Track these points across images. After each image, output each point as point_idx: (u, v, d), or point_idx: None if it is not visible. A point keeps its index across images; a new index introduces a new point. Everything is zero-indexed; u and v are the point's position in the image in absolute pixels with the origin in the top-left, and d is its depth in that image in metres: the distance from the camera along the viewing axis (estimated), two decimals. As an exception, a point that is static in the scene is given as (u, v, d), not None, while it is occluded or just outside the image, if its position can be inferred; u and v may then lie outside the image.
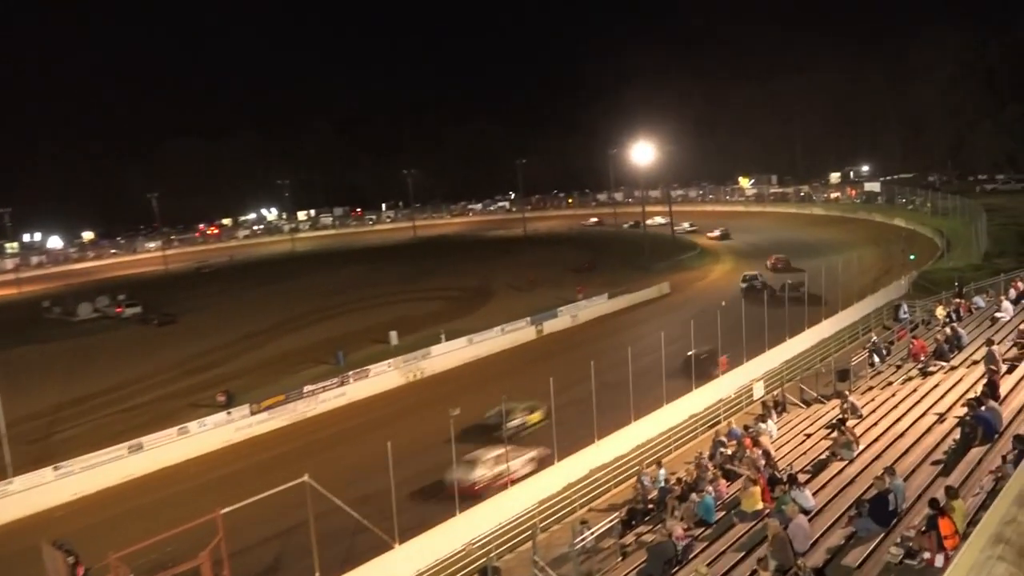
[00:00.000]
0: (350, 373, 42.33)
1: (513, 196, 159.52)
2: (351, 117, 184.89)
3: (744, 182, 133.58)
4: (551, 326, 53.87)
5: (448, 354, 47.03)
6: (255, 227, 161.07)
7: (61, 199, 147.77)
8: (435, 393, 41.40)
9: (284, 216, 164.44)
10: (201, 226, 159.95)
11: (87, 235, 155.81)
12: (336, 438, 36.07)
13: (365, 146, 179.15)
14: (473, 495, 25.18)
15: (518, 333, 51.66)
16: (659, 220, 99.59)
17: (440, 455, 26.83)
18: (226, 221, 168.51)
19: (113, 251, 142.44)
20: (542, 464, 27.67)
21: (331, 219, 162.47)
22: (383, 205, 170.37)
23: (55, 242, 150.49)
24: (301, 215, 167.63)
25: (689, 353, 34.53)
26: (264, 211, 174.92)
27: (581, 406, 30.30)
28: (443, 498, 25.12)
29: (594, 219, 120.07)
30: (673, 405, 31.83)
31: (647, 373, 34.61)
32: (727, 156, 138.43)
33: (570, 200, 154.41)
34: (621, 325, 53.99)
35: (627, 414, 29.77)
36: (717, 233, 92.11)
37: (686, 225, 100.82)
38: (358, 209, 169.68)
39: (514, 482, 26.26)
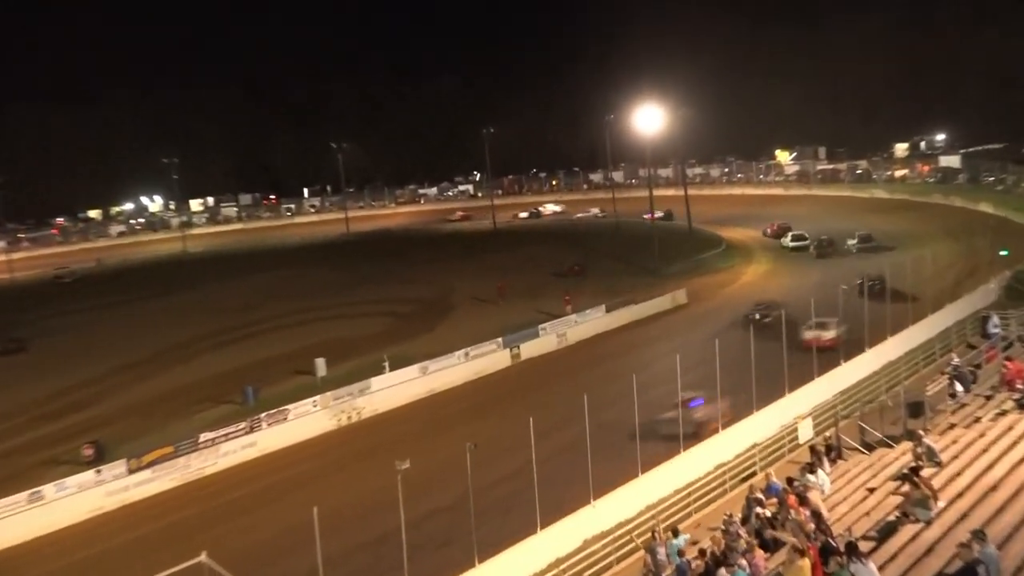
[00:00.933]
0: (262, 415, 42.00)
1: (478, 178, 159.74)
2: (263, 76, 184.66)
3: (783, 156, 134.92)
4: (530, 349, 53.90)
5: (394, 388, 46.90)
6: (133, 221, 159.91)
7: None
8: (376, 440, 41.21)
9: (172, 206, 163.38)
10: (60, 220, 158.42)
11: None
12: (244, 503, 35.75)
13: (281, 114, 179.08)
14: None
15: (487, 359, 51.65)
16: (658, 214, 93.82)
17: (386, 521, 26.59)
18: (93, 214, 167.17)
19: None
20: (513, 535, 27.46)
21: (236, 210, 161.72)
22: (305, 191, 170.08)
23: None
24: (195, 204, 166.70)
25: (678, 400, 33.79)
26: (146, 200, 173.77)
27: (571, 455, 30.17)
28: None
29: (594, 210, 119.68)
30: (693, 452, 31.86)
31: (659, 409, 34.66)
32: (761, 123, 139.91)
33: (554, 182, 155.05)
34: (623, 346, 54.11)
35: (632, 464, 29.73)
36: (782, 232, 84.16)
37: (595, 211, 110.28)
38: (272, 196, 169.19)
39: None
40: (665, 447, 31.66)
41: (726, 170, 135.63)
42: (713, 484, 30.96)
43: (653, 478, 30.29)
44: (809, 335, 43.34)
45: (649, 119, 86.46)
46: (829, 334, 43.80)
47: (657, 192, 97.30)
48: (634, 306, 61.25)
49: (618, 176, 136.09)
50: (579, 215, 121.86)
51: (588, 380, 43.27)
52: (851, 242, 75.35)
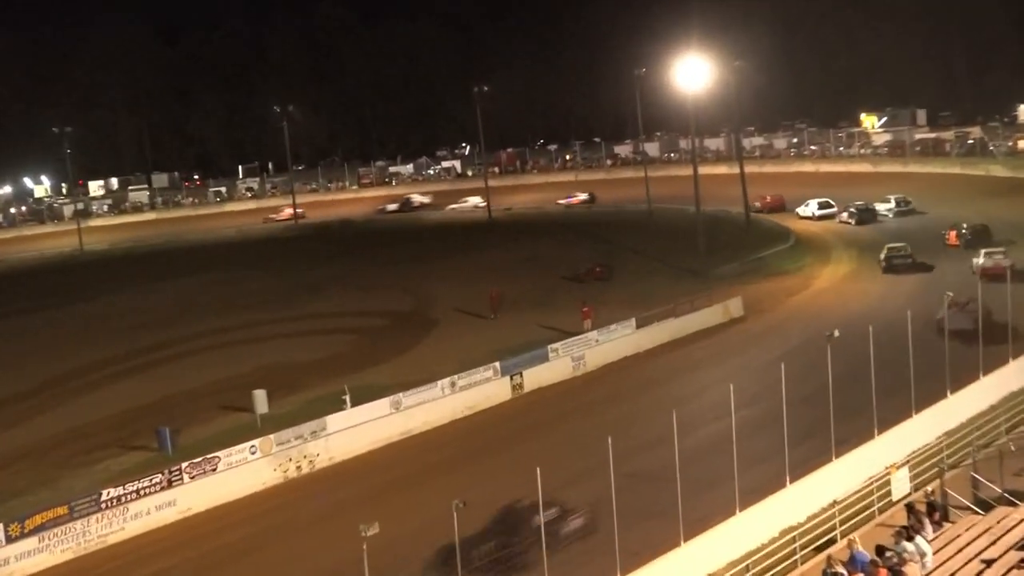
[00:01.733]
0: (184, 465, 41.73)
1: (468, 151, 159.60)
2: (183, 21, 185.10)
3: (869, 122, 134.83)
4: (537, 377, 53.73)
5: (357, 429, 46.66)
6: (13, 209, 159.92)
7: None
8: (335, 497, 41.01)
9: (64, 190, 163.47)
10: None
11: None
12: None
13: (206, 69, 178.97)
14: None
15: (480, 390, 51.40)
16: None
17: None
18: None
19: None
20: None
21: (147, 195, 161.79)
22: (240, 169, 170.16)
23: None
24: (95, 187, 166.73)
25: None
26: (29, 182, 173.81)
27: (594, 515, 30.19)
28: None
29: (473, 199, 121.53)
30: (753, 513, 31.82)
31: (706, 457, 34.60)
32: (840, 80, 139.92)
33: (568, 157, 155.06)
34: (660, 373, 53.97)
35: (673, 529, 29.72)
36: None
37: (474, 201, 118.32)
38: (195, 177, 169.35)
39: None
40: (717, 503, 31.58)
41: (795, 140, 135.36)
42: (779, 555, 30.89)
43: (699, 547, 30.20)
44: (988, 263, 58.87)
45: (693, 75, 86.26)
46: (1006, 261, 58.65)
47: (704, 170, 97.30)
48: (674, 320, 60.96)
49: (652, 149, 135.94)
50: (452, 207, 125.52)
51: (613, 417, 43.26)
52: (885, 208, 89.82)
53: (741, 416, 32.98)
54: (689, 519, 30.14)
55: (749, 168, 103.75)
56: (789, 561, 30.74)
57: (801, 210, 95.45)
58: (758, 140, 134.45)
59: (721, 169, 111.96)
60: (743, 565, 30.14)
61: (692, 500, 30.47)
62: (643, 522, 30.31)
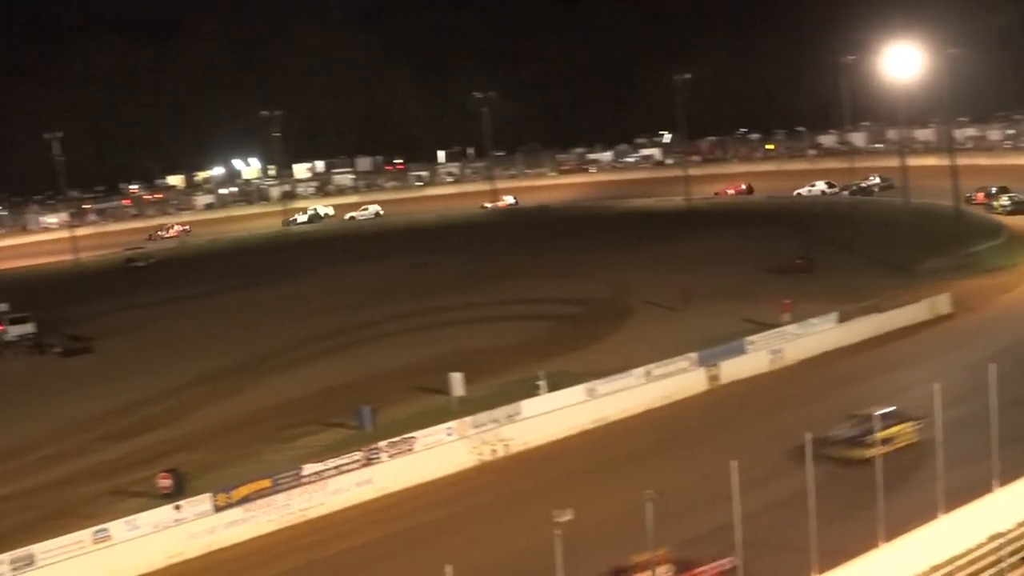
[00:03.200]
0: (382, 444, 42.71)
1: (668, 139, 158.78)
2: (388, 6, 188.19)
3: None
4: (733, 369, 53.36)
5: (551, 415, 47.01)
6: (224, 190, 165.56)
7: None
8: (528, 483, 41.36)
9: (272, 172, 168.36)
10: (133, 188, 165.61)
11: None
12: (356, 557, 36.39)
13: (410, 54, 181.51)
14: None
15: (676, 381, 51.34)
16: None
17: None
18: (174, 181, 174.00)
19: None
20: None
21: (351, 178, 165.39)
22: (440, 154, 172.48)
23: None
24: (300, 170, 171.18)
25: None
26: (239, 164, 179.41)
27: (788, 514, 29.84)
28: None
29: (822, 185, 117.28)
30: (958, 515, 30.96)
31: (908, 457, 33.84)
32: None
33: (770, 147, 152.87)
34: (861, 369, 52.93)
35: (871, 530, 29.14)
36: None
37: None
38: (397, 161, 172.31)
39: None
40: (919, 505, 30.82)
41: (1010, 132, 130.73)
42: (984, 561, 30.03)
43: (899, 548, 29.51)
44: None
45: (903, 63, 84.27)
46: None
47: (912, 161, 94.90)
48: (877, 315, 59.85)
49: (858, 139, 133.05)
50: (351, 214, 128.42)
51: (812, 413, 42.49)
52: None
53: (946, 416, 32.03)
54: (889, 520, 29.50)
55: (960, 160, 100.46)
56: (995, 569, 29.83)
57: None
58: (970, 131, 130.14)
59: (930, 161, 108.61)
60: (945, 570, 29.34)
61: (892, 501, 29.77)
62: (842, 522, 29.75)
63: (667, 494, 26.54)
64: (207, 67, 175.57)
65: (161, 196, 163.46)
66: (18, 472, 47.78)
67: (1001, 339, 52.96)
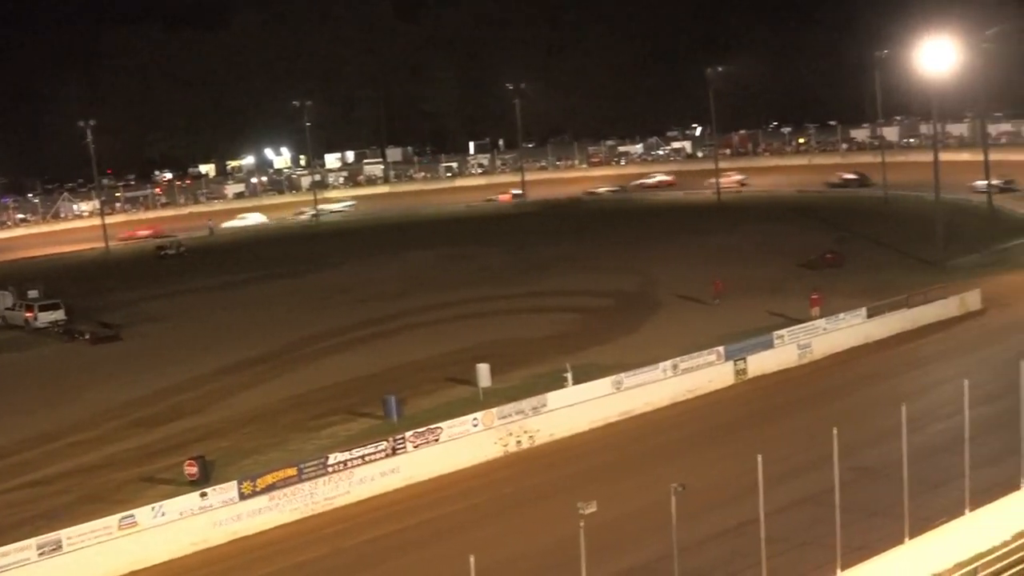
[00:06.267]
0: (408, 435, 42.84)
1: (699, 132, 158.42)
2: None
3: None
4: (761, 363, 53.23)
5: (578, 407, 47.04)
6: (255, 180, 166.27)
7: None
8: (553, 474, 41.46)
9: (303, 161, 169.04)
10: (165, 176, 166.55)
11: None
12: (381, 547, 36.54)
13: (444, 45, 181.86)
14: None
15: (703, 374, 51.27)
16: None
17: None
18: (205, 169, 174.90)
19: (21, 217, 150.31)
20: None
21: (382, 168, 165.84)
22: (471, 145, 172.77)
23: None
24: (331, 160, 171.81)
25: None
26: (270, 153, 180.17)
27: (813, 509, 29.83)
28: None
29: (846, 176, 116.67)
30: (984, 513, 30.88)
31: (935, 455, 33.63)
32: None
33: (802, 140, 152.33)
34: (889, 365, 52.86)
35: (897, 527, 29.11)
36: None
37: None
38: (428, 150, 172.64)
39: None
40: (945, 503, 30.72)
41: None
42: (1011, 559, 29.99)
43: (926, 545, 29.54)
44: None
45: (938, 57, 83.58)
46: None
47: (946, 156, 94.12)
48: (907, 311, 59.42)
49: (890, 133, 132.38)
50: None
51: (839, 409, 42.51)
52: None
53: (975, 414, 31.95)
54: (915, 517, 29.47)
55: (994, 156, 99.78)
56: (1021, 567, 29.71)
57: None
58: (1005, 127, 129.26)
59: (964, 156, 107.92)
60: (971, 567, 29.28)
61: (918, 498, 29.78)
62: (867, 518, 29.84)
63: (692, 488, 26.52)
64: (245, 56, 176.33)
65: (189, 183, 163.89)
66: (48, 458, 48.15)
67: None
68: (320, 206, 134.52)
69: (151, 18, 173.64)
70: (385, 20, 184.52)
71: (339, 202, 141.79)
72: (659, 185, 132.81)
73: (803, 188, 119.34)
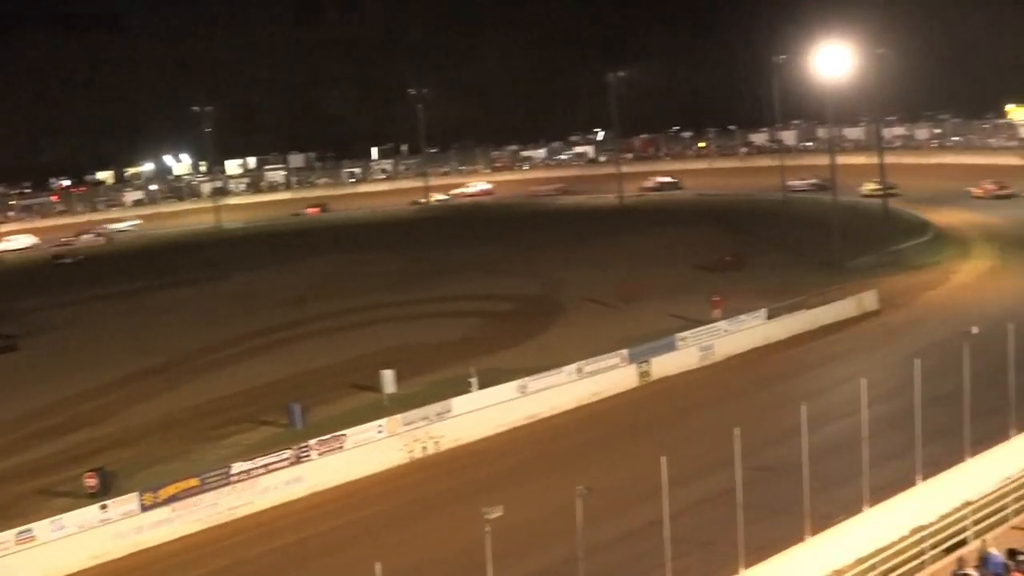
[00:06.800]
0: (312, 442, 42.55)
1: (601, 137, 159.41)
2: (323, 2, 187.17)
3: (1016, 114, 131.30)
4: (664, 365, 53.63)
5: (483, 412, 47.04)
6: (154, 187, 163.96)
7: None
8: (458, 480, 41.46)
9: (204, 168, 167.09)
10: (61, 183, 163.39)
11: None
12: (285, 558, 36.32)
13: (344, 50, 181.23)
14: None
15: (607, 377, 51.46)
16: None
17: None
18: (103, 176, 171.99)
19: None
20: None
21: (284, 174, 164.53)
22: (373, 151, 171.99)
23: None
24: (232, 166, 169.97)
25: None
26: (170, 160, 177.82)
27: (716, 509, 30.06)
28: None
29: (806, 180, 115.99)
30: (882, 509, 31.33)
31: (835, 453, 34.15)
32: (988, 70, 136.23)
33: (702, 144, 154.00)
34: (789, 365, 53.54)
35: (798, 525, 29.47)
36: None
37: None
38: (330, 155, 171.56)
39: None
40: (844, 500, 31.22)
41: (937, 131, 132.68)
42: (908, 554, 30.27)
43: (826, 542, 29.85)
44: None
45: (834, 62, 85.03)
46: None
47: (842, 159, 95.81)
48: (806, 311, 60.19)
49: (788, 137, 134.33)
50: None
51: (741, 409, 42.86)
52: None
53: (873, 412, 32.41)
54: (816, 514, 29.82)
55: (889, 159, 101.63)
56: (917, 561, 30.14)
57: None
58: (899, 130, 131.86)
59: (859, 159, 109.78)
60: (870, 563, 29.66)
61: (819, 496, 30.10)
62: (770, 516, 30.03)
63: (597, 491, 26.54)
64: (141, 61, 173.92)
65: (85, 190, 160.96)
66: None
67: (926, 336, 53.67)
68: (106, 225, 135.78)
69: (45, 20, 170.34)
70: (285, 25, 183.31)
71: (126, 221, 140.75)
72: (479, 195, 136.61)
73: (702, 192, 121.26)
